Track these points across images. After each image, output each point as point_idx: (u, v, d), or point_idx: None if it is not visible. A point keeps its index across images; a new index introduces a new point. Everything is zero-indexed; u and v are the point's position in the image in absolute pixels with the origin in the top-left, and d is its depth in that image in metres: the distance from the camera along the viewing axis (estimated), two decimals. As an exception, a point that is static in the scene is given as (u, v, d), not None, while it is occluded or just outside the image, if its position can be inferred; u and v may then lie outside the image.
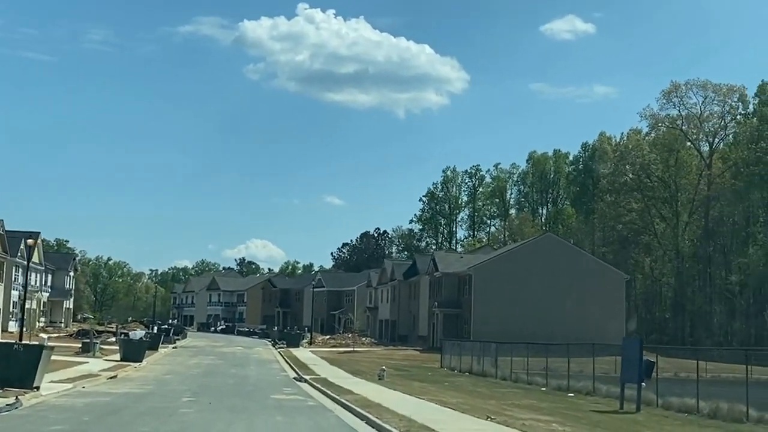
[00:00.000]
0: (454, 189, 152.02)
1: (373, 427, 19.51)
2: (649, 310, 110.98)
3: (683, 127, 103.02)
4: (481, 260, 75.86)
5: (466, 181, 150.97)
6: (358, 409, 22.96)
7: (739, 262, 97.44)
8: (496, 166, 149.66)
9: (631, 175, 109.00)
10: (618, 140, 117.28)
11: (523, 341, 51.57)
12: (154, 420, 19.77)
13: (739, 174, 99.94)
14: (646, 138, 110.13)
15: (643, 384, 26.30)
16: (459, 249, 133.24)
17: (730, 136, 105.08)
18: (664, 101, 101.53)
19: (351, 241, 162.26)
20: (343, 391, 29.71)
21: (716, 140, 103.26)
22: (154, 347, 57.41)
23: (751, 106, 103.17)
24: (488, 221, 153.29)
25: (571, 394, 34.19)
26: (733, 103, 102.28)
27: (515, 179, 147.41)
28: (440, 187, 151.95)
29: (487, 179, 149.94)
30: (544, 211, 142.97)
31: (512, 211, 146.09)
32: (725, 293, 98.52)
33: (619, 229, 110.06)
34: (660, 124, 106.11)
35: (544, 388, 37.83)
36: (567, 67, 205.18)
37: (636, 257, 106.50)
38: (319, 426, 20.14)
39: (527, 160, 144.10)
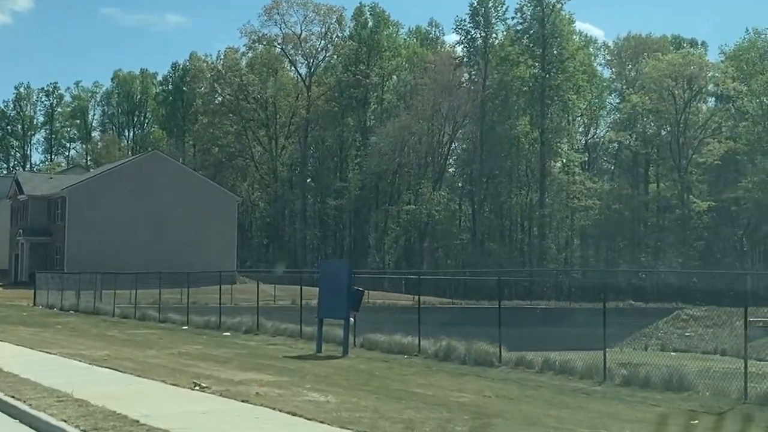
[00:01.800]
0: (29, 108, 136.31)
1: (14, 418, 11.87)
2: (245, 236, 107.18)
3: (283, 47, 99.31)
4: (75, 181, 66.19)
5: (43, 99, 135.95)
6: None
7: (337, 186, 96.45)
8: (77, 84, 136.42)
9: (228, 96, 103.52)
10: (214, 60, 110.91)
11: (132, 272, 44.64)
12: None
13: (335, 98, 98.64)
14: (244, 56, 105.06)
15: (352, 319, 20.74)
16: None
17: (322, 61, 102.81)
18: (265, 18, 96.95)
19: None
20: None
21: (315, 62, 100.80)
22: None
23: (347, 30, 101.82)
24: (68, 144, 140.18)
25: (227, 333, 28.01)
26: (332, 25, 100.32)
27: (99, 99, 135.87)
28: (12, 106, 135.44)
29: (67, 98, 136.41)
30: (131, 134, 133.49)
31: (95, 134, 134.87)
32: (324, 218, 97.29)
33: (215, 152, 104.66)
34: (257, 44, 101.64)
35: (186, 327, 31.26)
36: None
37: (233, 182, 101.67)
38: None
39: (112, 79, 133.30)
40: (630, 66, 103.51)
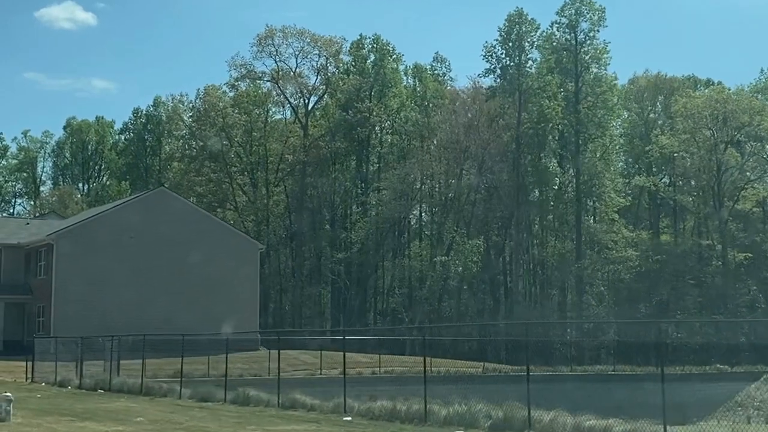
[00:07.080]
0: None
1: None
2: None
3: (277, 82, 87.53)
4: (65, 225, 53.26)
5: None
6: None
7: (342, 237, 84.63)
8: (24, 134, 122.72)
9: (209, 141, 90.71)
10: (192, 100, 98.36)
11: (149, 334, 33.59)
12: None
13: (334, 138, 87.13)
14: (225, 95, 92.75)
15: None
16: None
17: (320, 98, 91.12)
18: (258, 49, 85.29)
19: None
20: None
21: (312, 99, 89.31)
22: None
23: (344, 65, 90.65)
24: (13, 200, 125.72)
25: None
26: (330, 58, 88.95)
27: (50, 150, 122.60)
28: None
29: (13, 149, 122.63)
30: (86, 187, 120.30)
31: (44, 188, 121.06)
32: (328, 273, 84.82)
33: (193, 202, 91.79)
34: (241, 80, 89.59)
35: (349, 418, 19.44)
36: (65, 57, 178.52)
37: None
38: None
39: (64, 128, 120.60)
40: (651, 107, 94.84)
